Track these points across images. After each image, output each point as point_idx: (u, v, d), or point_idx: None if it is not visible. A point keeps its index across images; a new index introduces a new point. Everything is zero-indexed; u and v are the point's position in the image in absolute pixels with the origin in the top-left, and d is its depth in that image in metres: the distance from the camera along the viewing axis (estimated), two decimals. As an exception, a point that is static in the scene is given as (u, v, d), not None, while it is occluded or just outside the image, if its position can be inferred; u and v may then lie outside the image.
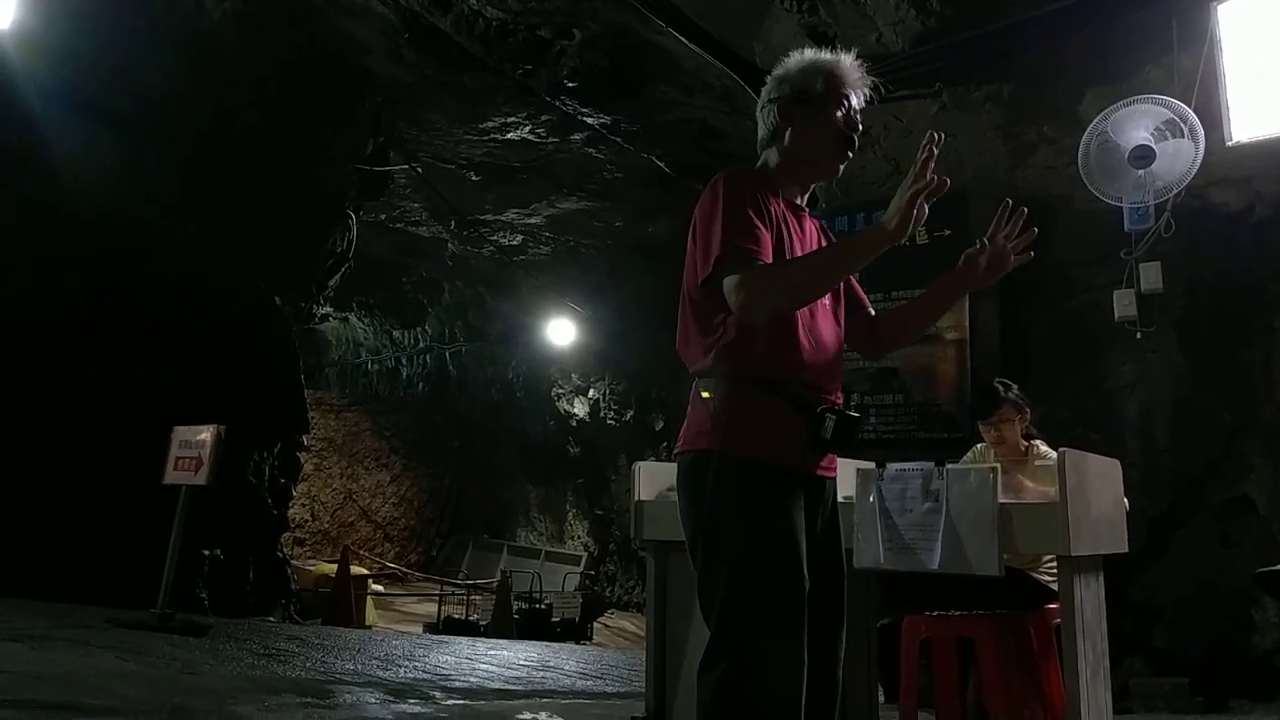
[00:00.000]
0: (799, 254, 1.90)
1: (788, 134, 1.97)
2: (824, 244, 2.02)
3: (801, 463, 1.84)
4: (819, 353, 1.90)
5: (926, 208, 1.74)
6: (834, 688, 1.86)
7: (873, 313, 2.13)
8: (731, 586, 1.73)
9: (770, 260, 1.80)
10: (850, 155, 2.00)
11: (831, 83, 1.96)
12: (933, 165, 1.73)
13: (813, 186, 2.11)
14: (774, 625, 1.70)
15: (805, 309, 1.87)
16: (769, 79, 2.04)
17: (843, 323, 2.03)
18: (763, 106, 2.02)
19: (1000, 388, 3.48)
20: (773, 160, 2.00)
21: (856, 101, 2.00)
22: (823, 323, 1.93)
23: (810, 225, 2.01)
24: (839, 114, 1.96)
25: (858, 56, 2.04)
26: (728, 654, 1.70)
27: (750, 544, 1.74)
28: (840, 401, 1.94)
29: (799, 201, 2.03)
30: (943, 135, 1.79)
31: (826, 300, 1.95)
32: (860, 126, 2.00)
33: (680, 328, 1.95)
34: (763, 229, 1.82)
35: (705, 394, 1.86)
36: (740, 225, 1.79)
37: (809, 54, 2.02)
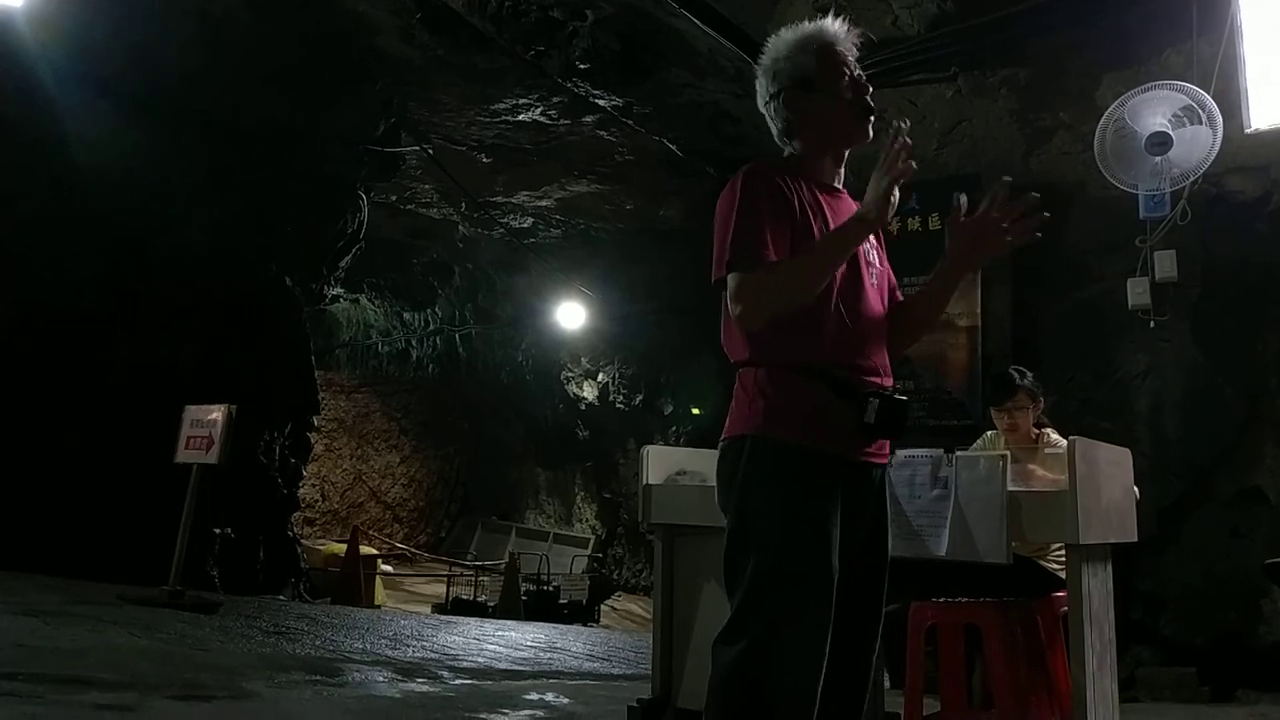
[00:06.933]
0: None
1: (802, 124, 1.92)
2: None
3: (845, 449, 1.77)
4: (861, 334, 1.83)
5: (898, 193, 1.81)
6: (863, 678, 1.83)
7: (900, 297, 2.02)
8: (757, 571, 1.69)
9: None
10: (874, 113, 1.94)
11: (825, 55, 1.90)
12: (904, 154, 1.75)
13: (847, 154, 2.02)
14: (796, 613, 1.67)
15: (846, 289, 1.82)
16: (760, 72, 1.97)
17: (887, 303, 1.94)
18: (766, 103, 1.96)
19: (1016, 374, 3.47)
20: (798, 149, 1.94)
21: (854, 56, 1.94)
22: (865, 304, 1.86)
23: (849, 205, 1.94)
24: (845, 82, 1.90)
25: (861, 37, 1.98)
26: (746, 635, 1.67)
27: (778, 529, 1.71)
28: (889, 385, 1.85)
29: (837, 179, 1.97)
30: (908, 122, 1.80)
31: (872, 279, 1.88)
32: (868, 84, 1.94)
33: (722, 321, 1.90)
34: (777, 228, 1.76)
35: (744, 383, 1.82)
36: (748, 232, 1.75)
37: (786, 34, 1.95)
